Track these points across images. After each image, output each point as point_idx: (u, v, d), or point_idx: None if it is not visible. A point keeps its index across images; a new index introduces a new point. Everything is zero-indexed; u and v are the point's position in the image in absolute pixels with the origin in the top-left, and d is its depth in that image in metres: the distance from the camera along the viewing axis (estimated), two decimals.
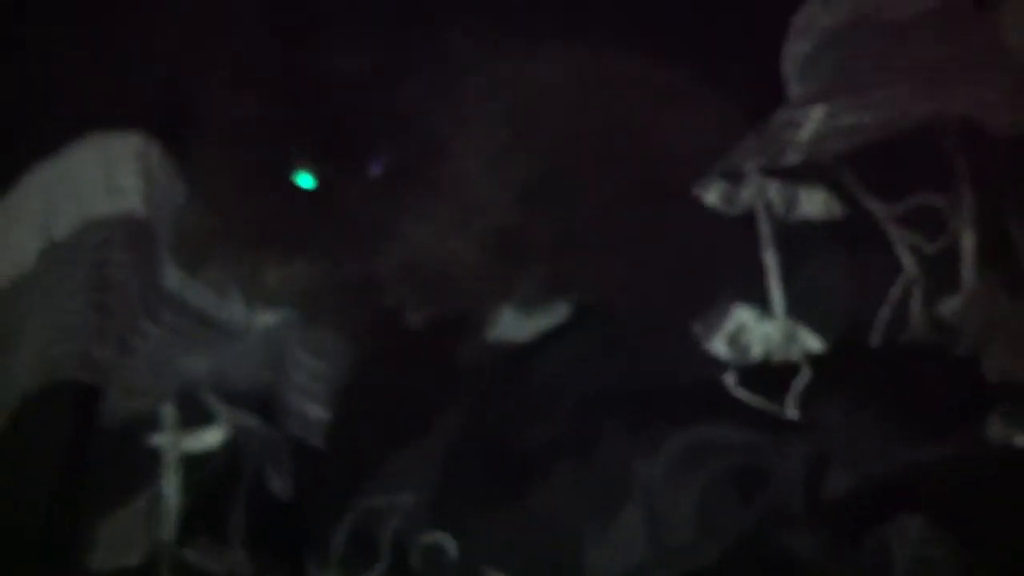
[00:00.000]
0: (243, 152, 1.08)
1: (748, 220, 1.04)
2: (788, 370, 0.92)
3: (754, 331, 0.98)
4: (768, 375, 0.93)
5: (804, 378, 0.90)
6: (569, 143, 1.14)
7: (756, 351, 0.97)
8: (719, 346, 0.98)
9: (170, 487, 0.89)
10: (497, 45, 1.20)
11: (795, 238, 1.02)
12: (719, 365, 0.96)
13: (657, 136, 1.16)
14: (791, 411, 0.88)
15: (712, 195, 1.06)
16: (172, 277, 1.08)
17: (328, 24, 1.28)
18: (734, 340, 0.98)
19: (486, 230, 1.10)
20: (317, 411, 0.99)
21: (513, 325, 1.12)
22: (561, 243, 1.10)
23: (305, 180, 1.06)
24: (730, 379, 0.91)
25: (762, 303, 0.99)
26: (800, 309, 0.98)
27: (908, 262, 1.00)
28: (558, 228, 1.11)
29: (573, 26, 1.26)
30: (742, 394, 0.90)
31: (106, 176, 1.06)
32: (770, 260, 1.01)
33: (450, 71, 1.17)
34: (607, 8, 1.32)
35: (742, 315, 0.99)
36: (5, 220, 1.07)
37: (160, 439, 0.92)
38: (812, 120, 1.10)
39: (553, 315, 1.12)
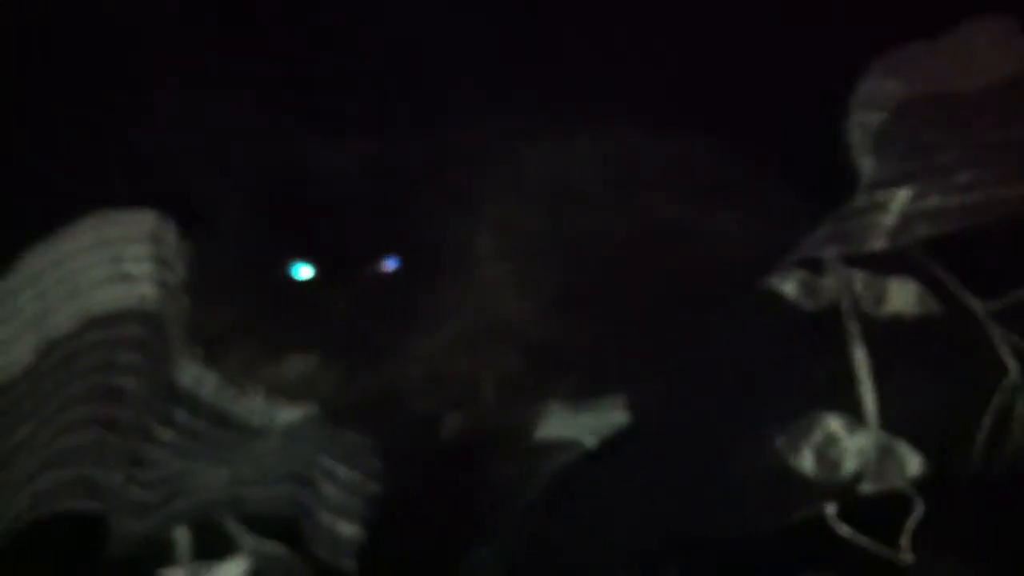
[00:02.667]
0: (245, 244, 0.95)
1: (831, 316, 0.91)
2: (895, 500, 0.77)
3: (845, 444, 0.83)
4: (872, 507, 0.78)
5: (918, 513, 0.75)
6: (610, 241, 1.01)
7: (848, 467, 0.83)
8: (806, 462, 0.83)
9: None
10: (525, 136, 1.08)
11: (885, 336, 0.88)
12: (809, 490, 0.81)
13: (705, 229, 1.03)
14: (906, 554, 0.73)
15: (790, 286, 0.92)
16: (186, 373, 0.94)
17: (338, 116, 1.19)
18: (822, 455, 0.83)
19: (522, 336, 0.98)
20: (349, 529, 0.84)
21: (562, 424, 0.98)
22: (605, 349, 0.97)
23: (300, 271, 0.94)
24: (831, 513, 0.76)
25: (852, 411, 0.85)
26: (895, 419, 0.84)
27: (1012, 365, 0.86)
28: (600, 334, 0.98)
29: (609, 114, 1.14)
30: (845, 531, 0.75)
31: (113, 262, 0.91)
32: (860, 361, 0.86)
33: (474, 165, 1.05)
34: (646, 94, 1.20)
35: (831, 425, 0.84)
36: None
37: (173, 574, 0.77)
38: (897, 203, 0.96)
39: (605, 413, 0.99)
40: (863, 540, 0.74)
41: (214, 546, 0.79)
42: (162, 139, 1.04)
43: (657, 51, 1.22)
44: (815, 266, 0.93)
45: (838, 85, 1.19)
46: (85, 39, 1.09)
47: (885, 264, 0.92)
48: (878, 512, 0.77)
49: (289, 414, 0.97)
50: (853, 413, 0.84)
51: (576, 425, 0.98)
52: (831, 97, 1.19)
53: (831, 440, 0.83)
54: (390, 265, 0.96)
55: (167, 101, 1.08)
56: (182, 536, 0.79)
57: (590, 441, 0.93)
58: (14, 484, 0.78)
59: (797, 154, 1.12)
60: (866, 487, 0.81)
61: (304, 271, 0.94)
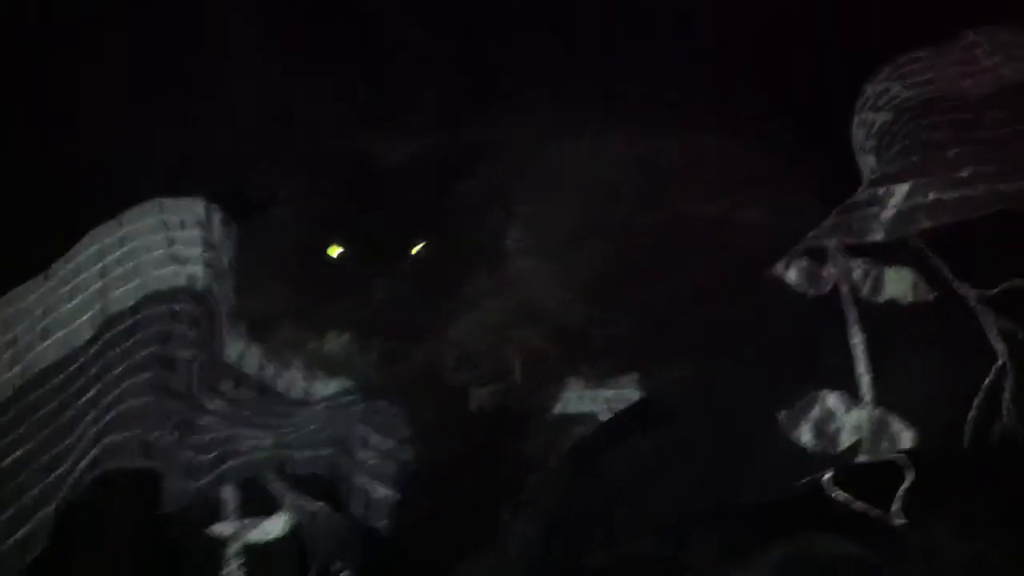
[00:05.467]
0: (288, 232, 1.00)
1: (832, 301, 0.95)
2: (888, 470, 0.81)
3: (843, 420, 0.88)
4: (867, 475, 0.82)
5: (909, 480, 0.79)
6: (638, 234, 1.05)
7: (845, 441, 0.87)
8: (805, 436, 0.87)
9: None
10: (561, 132, 1.12)
11: (882, 321, 0.92)
12: (810, 461, 0.85)
13: (730, 223, 1.07)
14: (898, 518, 0.77)
15: (793, 273, 0.96)
16: (231, 348, 1.00)
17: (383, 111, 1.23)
18: (821, 430, 0.87)
19: (550, 323, 1.02)
20: (383, 491, 0.89)
21: (579, 401, 1.03)
22: (628, 336, 1.02)
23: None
24: (827, 479, 0.80)
25: (850, 390, 0.89)
26: (890, 397, 0.88)
27: (1001, 349, 0.89)
28: (625, 322, 1.02)
29: (640, 112, 1.18)
30: (841, 496, 0.79)
31: (167, 243, 0.97)
32: (857, 343, 0.91)
33: (511, 163, 1.09)
34: (674, 98, 1.24)
35: (829, 402, 0.88)
36: (60, 289, 0.97)
37: (222, 528, 0.82)
38: (896, 196, 1.00)
39: (621, 391, 1.04)
40: (858, 504, 0.78)
41: (259, 503, 0.84)
42: (217, 130, 1.09)
43: (683, 58, 1.27)
44: (818, 255, 0.97)
45: (847, 88, 1.23)
46: (153, 29, 1.13)
47: (883, 254, 0.96)
48: (873, 479, 0.81)
49: (326, 388, 1.03)
50: (850, 391, 0.88)
51: (593, 401, 1.03)
52: (842, 99, 1.23)
53: (829, 416, 0.88)
54: (423, 251, 0.99)
55: (223, 94, 1.13)
56: (230, 494, 0.85)
57: (605, 416, 0.99)
58: (83, 444, 0.83)
59: (812, 153, 1.16)
60: (862, 459, 0.86)
61: (337, 251, 0.97)
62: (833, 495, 0.79)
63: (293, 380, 1.02)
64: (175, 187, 1.02)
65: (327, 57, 1.22)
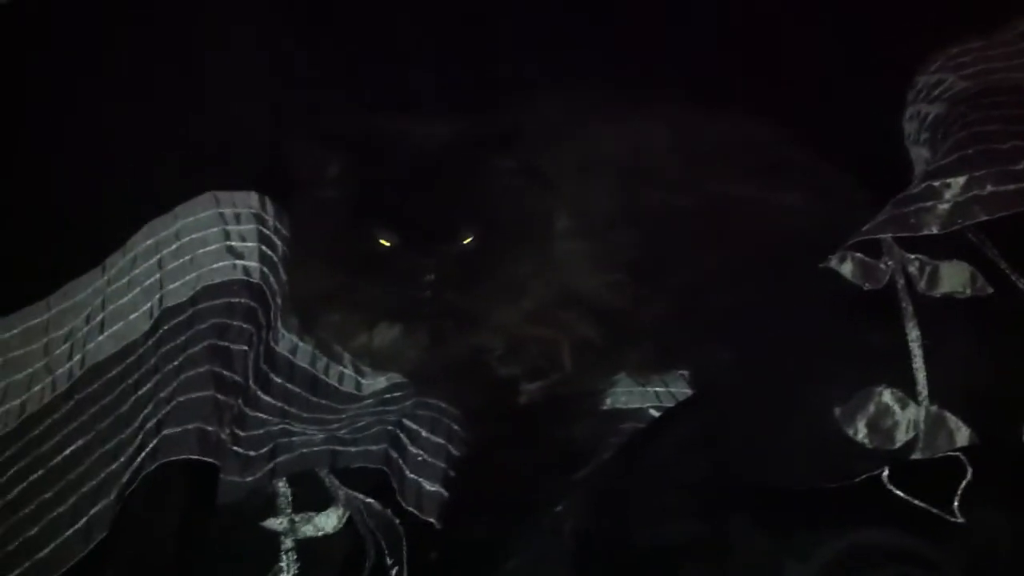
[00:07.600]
0: (335, 217, 0.98)
1: (887, 295, 0.94)
2: (945, 466, 0.80)
3: (898, 416, 0.87)
4: (924, 472, 0.81)
5: (967, 477, 0.78)
6: (678, 217, 1.04)
7: (901, 438, 0.86)
8: (861, 432, 0.86)
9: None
10: (598, 117, 1.11)
11: (939, 315, 0.91)
12: (863, 456, 0.84)
13: (767, 206, 1.06)
14: (955, 515, 0.76)
15: (848, 267, 0.95)
16: (285, 341, 1.00)
17: (422, 94, 1.22)
18: (876, 426, 0.86)
19: (595, 307, 1.01)
20: (432, 486, 0.89)
21: (629, 395, 1.02)
22: (672, 320, 1.01)
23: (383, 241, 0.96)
24: (885, 476, 0.79)
25: (905, 386, 0.87)
26: (946, 394, 0.87)
27: None
28: (669, 305, 1.01)
29: (679, 97, 1.17)
30: (899, 493, 0.78)
31: (223, 236, 0.97)
32: (913, 339, 0.89)
33: (550, 144, 1.07)
34: (714, 79, 1.23)
35: (884, 398, 0.87)
36: (116, 282, 0.97)
37: (276, 523, 0.82)
38: (952, 189, 0.98)
39: (670, 387, 1.03)
40: (917, 501, 0.77)
41: (313, 497, 0.85)
42: (260, 119, 1.09)
43: (727, 39, 1.26)
44: (872, 248, 0.96)
45: (897, 79, 1.21)
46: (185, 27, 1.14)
47: (939, 247, 0.95)
48: (930, 476, 0.79)
49: (377, 382, 1.03)
50: (906, 387, 0.87)
51: (643, 396, 1.02)
52: (890, 90, 1.22)
53: (885, 413, 0.87)
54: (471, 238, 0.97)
55: (262, 84, 1.13)
56: (283, 489, 0.86)
57: (655, 411, 0.98)
58: (142, 437, 0.84)
59: (856, 142, 1.15)
60: (918, 456, 0.85)
61: (386, 241, 0.96)
62: (892, 491, 0.78)
63: (343, 374, 1.02)
64: (226, 178, 1.01)
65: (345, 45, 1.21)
